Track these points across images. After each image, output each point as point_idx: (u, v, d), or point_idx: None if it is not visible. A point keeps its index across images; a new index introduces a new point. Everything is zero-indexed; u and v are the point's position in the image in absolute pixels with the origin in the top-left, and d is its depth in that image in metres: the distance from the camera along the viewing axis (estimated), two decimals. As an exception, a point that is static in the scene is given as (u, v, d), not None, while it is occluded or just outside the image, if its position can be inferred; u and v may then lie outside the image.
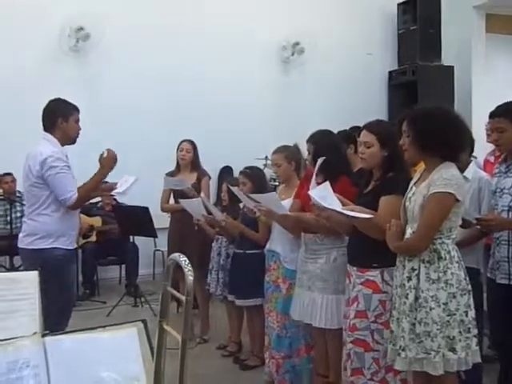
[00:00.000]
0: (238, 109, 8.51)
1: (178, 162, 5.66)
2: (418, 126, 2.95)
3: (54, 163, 3.85)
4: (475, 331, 2.92)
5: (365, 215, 3.07)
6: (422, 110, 3.08)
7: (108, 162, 4.09)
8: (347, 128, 5.12)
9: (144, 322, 1.62)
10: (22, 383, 1.41)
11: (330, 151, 3.89)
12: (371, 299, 3.31)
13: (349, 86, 9.16)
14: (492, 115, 3.60)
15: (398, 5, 9.36)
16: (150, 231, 6.37)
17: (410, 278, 2.91)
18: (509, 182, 3.51)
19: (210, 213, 4.90)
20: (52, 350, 1.47)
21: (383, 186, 3.32)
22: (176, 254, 1.37)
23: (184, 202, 5.05)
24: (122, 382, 1.50)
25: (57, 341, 1.49)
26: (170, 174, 5.66)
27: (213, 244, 5.21)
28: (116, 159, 4.11)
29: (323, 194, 3.17)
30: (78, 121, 4.07)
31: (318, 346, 4.13)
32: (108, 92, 7.79)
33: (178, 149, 5.66)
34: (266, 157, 8.00)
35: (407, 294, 2.91)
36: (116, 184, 4.31)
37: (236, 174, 7.37)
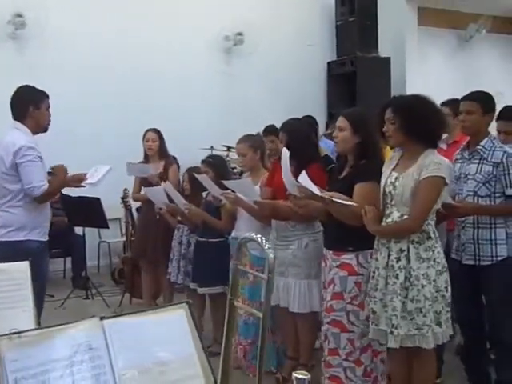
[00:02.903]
0: (181, 98, 8.49)
1: (145, 152, 5.63)
2: (405, 113, 3.08)
3: (26, 152, 3.77)
4: (450, 306, 3.11)
5: (348, 202, 3.17)
6: (407, 99, 3.23)
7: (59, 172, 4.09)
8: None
9: (188, 303, 1.64)
10: (86, 365, 1.42)
11: (302, 139, 4.00)
12: (347, 281, 3.43)
13: (289, 77, 9.27)
14: (464, 98, 3.77)
15: (336, -4, 9.54)
16: (102, 222, 6.29)
17: (398, 259, 3.05)
18: (473, 168, 3.68)
19: (172, 201, 4.90)
20: (111, 333, 1.48)
21: (357, 173, 3.44)
22: (248, 234, 1.41)
23: (147, 190, 5.06)
24: (178, 361, 1.53)
25: (114, 323, 1.50)
26: None
27: (174, 233, 5.21)
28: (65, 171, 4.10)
29: (305, 183, 3.26)
30: (48, 107, 3.98)
31: (287, 329, 4.22)
32: (50, 82, 7.57)
33: (143, 139, 5.63)
34: (212, 147, 8.03)
35: (397, 274, 3.04)
36: (85, 175, 4.15)
37: (181, 164, 7.38)
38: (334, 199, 3.18)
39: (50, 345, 1.41)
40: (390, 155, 3.38)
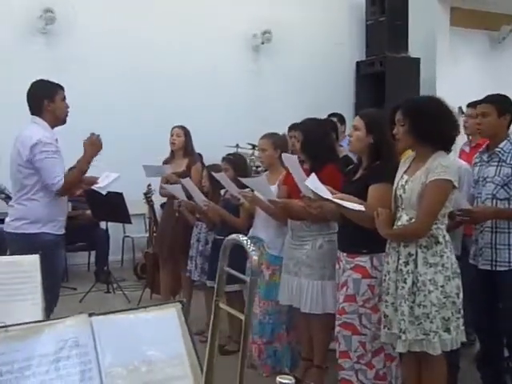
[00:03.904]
0: (208, 96, 8.50)
1: (171, 148, 5.69)
2: (415, 115, 3.03)
3: (43, 148, 3.80)
4: (462, 312, 3.06)
5: (357, 206, 3.14)
6: (418, 101, 3.19)
7: (90, 147, 4.03)
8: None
9: (182, 302, 1.64)
10: (72, 361, 1.42)
11: (319, 139, 3.97)
12: (360, 284, 3.40)
13: (317, 76, 9.21)
14: (480, 101, 3.73)
15: (367, -5, 9.46)
16: (124, 217, 6.34)
17: (407, 263, 3.01)
18: (492, 171, 3.62)
19: (191, 199, 4.92)
20: (99, 330, 1.48)
21: (371, 175, 3.40)
22: (234, 235, 1.40)
23: (168, 188, 5.10)
24: (168, 361, 1.53)
25: (103, 320, 1.50)
26: (166, 161, 5.70)
27: (192, 230, 5.22)
28: (101, 145, 4.06)
29: (315, 185, 3.23)
30: (64, 99, 4.00)
31: (302, 330, 4.21)
32: (79, 76, 7.66)
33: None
34: (237, 144, 8.04)
35: (405, 279, 3.00)
36: (97, 178, 4.25)
37: (207, 161, 7.40)
38: (339, 202, 3.15)
39: (36, 339, 1.42)
40: (404, 158, 3.34)
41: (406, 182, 3.07)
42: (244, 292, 4.55)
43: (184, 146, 5.64)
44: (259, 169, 7.29)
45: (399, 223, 3.09)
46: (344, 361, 3.49)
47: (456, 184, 2.99)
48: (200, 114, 8.27)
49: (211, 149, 7.63)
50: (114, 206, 6.20)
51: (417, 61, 9.23)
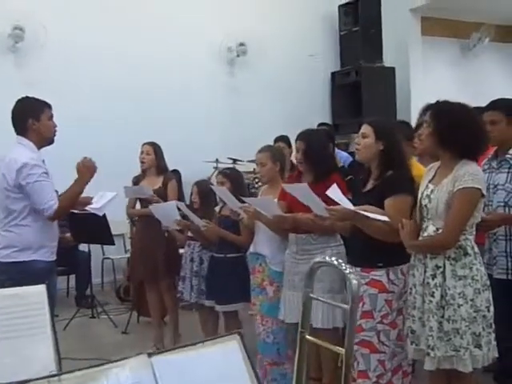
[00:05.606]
0: (184, 111, 8.35)
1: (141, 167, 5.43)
2: (440, 119, 2.93)
3: (31, 171, 3.52)
4: (494, 326, 2.93)
5: (382, 217, 3.01)
6: (446, 105, 3.06)
7: (85, 170, 3.74)
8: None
9: (240, 333, 1.48)
10: (136, 409, 1.25)
11: (320, 149, 3.87)
12: (377, 299, 3.25)
13: (293, 88, 9.13)
14: (487, 108, 3.64)
15: (339, 6, 9.42)
16: (107, 239, 6.09)
17: (434, 276, 2.88)
18: (502, 178, 3.54)
19: (183, 217, 4.73)
20: (160, 370, 1.31)
21: (386, 186, 3.25)
22: (322, 258, 1.25)
23: (154, 208, 4.82)
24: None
25: (164, 360, 1.33)
26: (136, 179, 5.42)
27: (183, 250, 5.02)
28: (95, 168, 3.77)
29: (337, 196, 3.10)
30: (51, 117, 3.72)
31: (310, 347, 4.04)
32: (50, 95, 7.39)
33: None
34: (217, 159, 7.89)
35: (433, 292, 2.88)
36: (92, 198, 4.02)
37: (185, 177, 7.21)
38: (367, 214, 3.02)
39: (93, 388, 1.24)
40: (428, 167, 3.22)
41: (432, 191, 2.95)
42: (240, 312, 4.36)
43: (156, 163, 5.38)
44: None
45: (425, 234, 2.96)
46: (363, 381, 3.32)
47: (484, 192, 2.88)
48: (176, 129, 8.12)
49: (189, 164, 7.47)
50: (96, 227, 5.95)
51: (391, 70, 9.23)
